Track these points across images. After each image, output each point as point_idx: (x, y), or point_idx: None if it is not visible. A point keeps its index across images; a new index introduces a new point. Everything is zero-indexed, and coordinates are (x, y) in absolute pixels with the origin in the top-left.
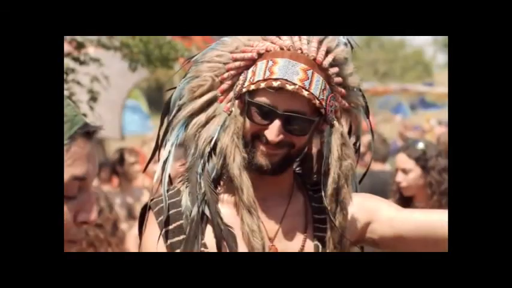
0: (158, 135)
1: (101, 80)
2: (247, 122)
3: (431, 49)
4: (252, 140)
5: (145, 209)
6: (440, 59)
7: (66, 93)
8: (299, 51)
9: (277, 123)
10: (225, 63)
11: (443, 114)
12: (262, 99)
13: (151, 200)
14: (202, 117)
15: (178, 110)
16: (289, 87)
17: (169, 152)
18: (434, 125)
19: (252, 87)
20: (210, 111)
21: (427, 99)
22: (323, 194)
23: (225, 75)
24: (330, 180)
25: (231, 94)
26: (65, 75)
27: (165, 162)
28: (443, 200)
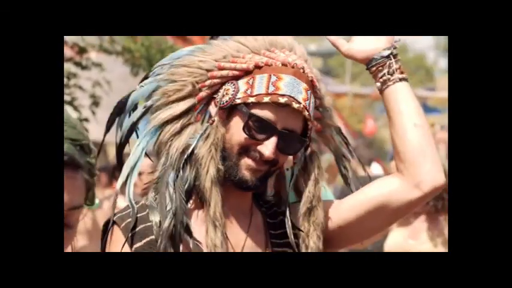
0: (104, 135)
1: (103, 85)
2: (239, 134)
3: (433, 54)
4: (238, 153)
5: (107, 224)
6: (442, 63)
7: (69, 98)
8: (301, 71)
9: (274, 139)
10: (207, 70)
11: (445, 119)
12: (262, 113)
13: (115, 214)
14: (177, 124)
15: (145, 112)
16: (295, 105)
17: (138, 158)
18: (438, 130)
19: (252, 99)
20: (185, 119)
21: (428, 104)
22: (299, 213)
23: (207, 82)
24: (304, 199)
25: (211, 105)
26: (67, 80)
27: (132, 168)
28: (439, 205)
